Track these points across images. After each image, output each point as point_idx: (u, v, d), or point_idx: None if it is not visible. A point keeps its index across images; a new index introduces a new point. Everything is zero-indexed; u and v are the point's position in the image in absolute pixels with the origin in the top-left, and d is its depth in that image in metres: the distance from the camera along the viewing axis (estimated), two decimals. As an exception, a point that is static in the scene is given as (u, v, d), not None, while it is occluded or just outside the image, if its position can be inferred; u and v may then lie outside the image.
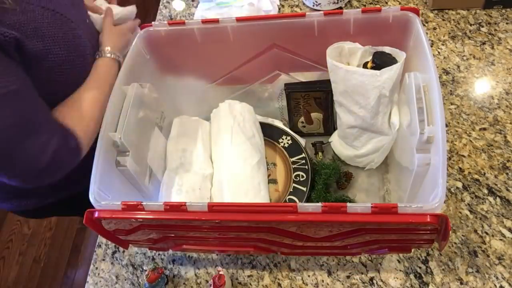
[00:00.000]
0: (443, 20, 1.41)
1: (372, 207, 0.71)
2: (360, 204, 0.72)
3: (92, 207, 0.80)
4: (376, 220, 0.71)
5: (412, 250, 0.99)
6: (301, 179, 1.06)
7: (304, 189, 1.05)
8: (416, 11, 0.92)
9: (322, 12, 0.96)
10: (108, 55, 1.04)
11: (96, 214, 0.78)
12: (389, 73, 0.88)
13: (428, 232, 0.75)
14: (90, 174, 0.84)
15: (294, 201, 1.03)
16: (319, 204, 0.72)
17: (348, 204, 0.71)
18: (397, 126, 0.95)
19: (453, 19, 1.41)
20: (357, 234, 0.80)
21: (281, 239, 0.86)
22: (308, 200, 1.04)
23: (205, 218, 0.76)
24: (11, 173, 0.89)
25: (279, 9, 1.55)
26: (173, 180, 1.02)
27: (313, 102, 1.13)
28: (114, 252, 1.13)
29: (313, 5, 1.50)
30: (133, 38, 1.05)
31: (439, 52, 1.33)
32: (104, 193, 0.82)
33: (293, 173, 1.08)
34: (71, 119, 0.95)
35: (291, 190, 1.06)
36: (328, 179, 1.05)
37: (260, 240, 0.88)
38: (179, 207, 0.76)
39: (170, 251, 1.09)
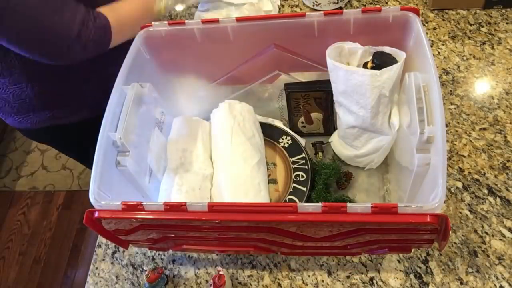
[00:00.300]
0: (443, 20, 1.41)
1: (372, 207, 0.71)
2: (360, 204, 0.72)
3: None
4: (376, 220, 0.71)
5: (412, 250, 0.98)
6: (301, 179, 1.06)
7: (304, 189, 1.05)
8: (416, 11, 0.92)
9: (322, 12, 0.96)
10: None
11: (96, 214, 0.78)
12: (389, 73, 0.88)
13: (428, 232, 0.75)
14: (102, 102, 0.92)
15: (294, 201, 1.03)
16: (319, 204, 0.72)
17: (348, 204, 0.71)
18: (397, 126, 0.95)
19: (453, 19, 1.41)
20: (357, 234, 0.80)
21: (281, 239, 0.86)
22: (308, 200, 1.04)
23: (205, 218, 0.76)
24: (43, 49, 1.04)
25: (279, 9, 1.55)
26: (173, 180, 1.02)
27: (313, 102, 1.13)
28: (114, 252, 1.13)
29: (313, 5, 1.50)
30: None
31: (439, 52, 1.33)
32: (104, 193, 0.82)
33: (293, 173, 1.08)
34: (105, 9, 1.12)
35: (291, 190, 1.06)
36: (328, 179, 1.05)
37: (260, 240, 0.88)
38: (179, 207, 0.76)
39: (170, 251, 1.09)
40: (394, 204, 0.70)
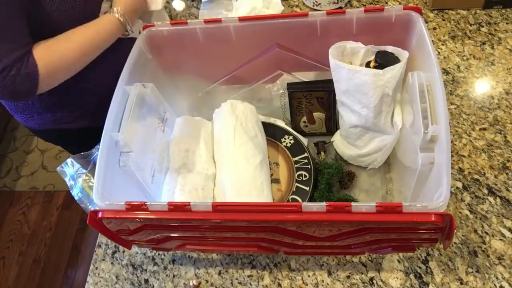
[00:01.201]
0: (443, 20, 1.42)
1: (376, 206, 0.71)
2: (364, 203, 0.72)
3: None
4: (381, 220, 0.71)
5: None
6: (304, 179, 1.06)
7: (307, 188, 1.05)
8: (419, 11, 0.92)
9: (324, 11, 0.96)
10: (116, 15, 1.09)
11: (100, 214, 0.78)
12: (392, 72, 0.88)
13: (432, 231, 0.76)
14: (102, 113, 0.89)
15: (297, 201, 1.03)
16: (324, 203, 0.72)
17: (353, 203, 0.71)
18: (400, 125, 0.95)
19: (453, 19, 1.41)
20: (361, 233, 0.80)
21: (285, 239, 0.86)
22: (311, 199, 1.04)
23: (209, 218, 0.76)
24: None
25: (279, 9, 1.55)
26: (176, 180, 1.02)
27: (316, 102, 1.13)
28: (114, 252, 1.12)
29: (313, 5, 1.50)
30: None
31: (439, 52, 1.34)
32: (107, 193, 0.82)
33: (296, 172, 1.08)
34: (40, 49, 1.01)
35: (294, 189, 1.06)
36: (330, 178, 1.05)
37: (264, 239, 0.88)
38: (183, 207, 0.76)
39: (170, 251, 1.09)
40: (399, 203, 0.70)
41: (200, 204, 0.75)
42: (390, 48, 0.94)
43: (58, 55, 1.04)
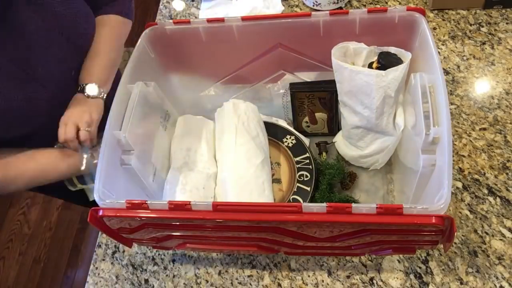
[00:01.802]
0: (443, 20, 1.42)
1: (377, 207, 0.70)
2: (365, 204, 0.72)
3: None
4: (381, 221, 0.71)
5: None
6: (305, 179, 1.06)
7: (308, 189, 1.05)
8: (422, 12, 0.91)
9: (327, 11, 0.96)
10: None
11: (101, 213, 0.78)
12: (395, 73, 0.88)
13: (433, 233, 0.76)
14: None
15: (298, 201, 1.03)
16: (324, 204, 0.72)
17: (353, 204, 0.71)
18: (402, 126, 0.95)
19: (453, 19, 1.41)
20: (361, 234, 0.79)
21: (285, 239, 0.86)
22: (312, 200, 1.04)
23: (209, 217, 0.75)
24: None
25: (279, 9, 1.55)
26: (177, 179, 1.02)
27: (318, 102, 1.13)
28: (114, 252, 1.12)
29: (313, 5, 1.50)
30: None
31: (439, 52, 1.34)
32: (108, 192, 0.82)
33: (297, 172, 1.08)
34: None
35: (295, 189, 1.05)
36: (332, 179, 1.05)
37: (264, 239, 0.88)
38: (183, 206, 0.76)
39: (170, 251, 1.09)
40: (399, 205, 0.70)
41: (201, 203, 0.75)
42: (392, 49, 0.94)
43: (15, 172, 1.03)
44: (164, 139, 1.06)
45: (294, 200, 1.04)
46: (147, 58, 1.04)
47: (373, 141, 1.04)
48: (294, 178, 1.07)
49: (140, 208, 0.77)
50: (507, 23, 1.37)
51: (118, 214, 0.78)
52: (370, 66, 0.95)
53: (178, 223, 0.83)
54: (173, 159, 1.06)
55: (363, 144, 1.06)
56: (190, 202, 0.75)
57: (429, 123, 0.78)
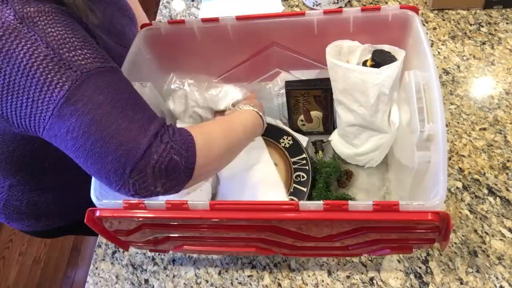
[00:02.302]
0: (443, 20, 1.41)
1: (373, 204, 0.71)
2: (361, 201, 0.72)
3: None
4: (378, 218, 0.71)
5: (413, 250, 0.98)
6: (302, 180, 1.06)
7: (305, 189, 1.05)
8: (415, 10, 0.92)
9: (321, 10, 0.96)
10: (254, 108, 0.98)
11: (98, 213, 0.78)
12: (389, 71, 0.89)
13: (429, 230, 0.75)
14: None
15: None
16: (321, 202, 0.72)
17: (350, 201, 0.72)
18: (397, 124, 0.95)
19: (453, 19, 1.41)
20: (358, 233, 0.79)
21: (282, 239, 0.86)
22: (309, 199, 1.04)
23: (206, 216, 0.76)
24: (96, 163, 0.70)
25: (279, 9, 1.55)
26: None
27: (313, 100, 1.13)
28: (114, 252, 1.12)
29: (313, 5, 1.50)
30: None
31: (439, 52, 1.33)
32: (105, 192, 0.82)
33: (294, 173, 1.08)
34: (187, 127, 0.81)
35: (292, 190, 1.05)
36: (328, 177, 1.05)
37: (262, 240, 0.88)
38: (180, 206, 0.76)
39: (170, 251, 1.09)
40: (396, 201, 0.70)
41: (198, 202, 0.76)
42: (386, 47, 0.94)
43: (208, 132, 0.83)
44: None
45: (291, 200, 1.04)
46: (143, 59, 1.05)
47: (369, 139, 1.04)
48: (291, 179, 1.07)
49: (137, 208, 0.77)
50: (507, 23, 1.37)
51: (115, 214, 0.78)
52: (364, 64, 0.96)
53: (175, 223, 0.83)
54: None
55: (359, 142, 1.06)
56: (187, 201, 0.75)
57: (424, 120, 0.78)
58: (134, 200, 0.77)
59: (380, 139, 1.01)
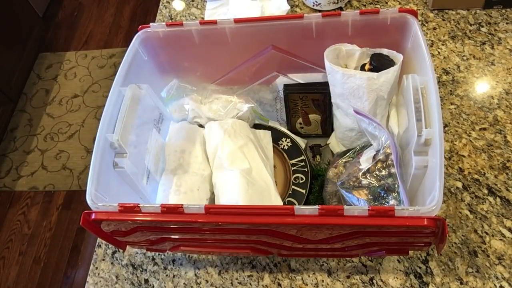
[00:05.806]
0: (443, 20, 1.41)
1: (369, 210, 0.70)
2: (357, 207, 0.72)
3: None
4: (373, 223, 0.71)
5: (410, 252, 0.98)
6: (300, 181, 1.06)
7: (303, 191, 1.05)
8: (414, 13, 0.91)
9: (320, 13, 0.96)
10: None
11: (93, 216, 0.78)
12: (386, 76, 0.88)
13: (425, 235, 0.75)
14: None
15: (293, 203, 1.03)
16: (316, 206, 0.72)
17: (345, 206, 0.71)
18: (396, 128, 0.95)
19: (453, 19, 1.40)
20: (354, 236, 0.79)
21: (279, 242, 0.86)
22: (307, 202, 1.04)
23: (201, 220, 0.76)
24: None
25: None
26: (171, 181, 1.02)
27: (311, 104, 1.12)
28: (114, 252, 1.13)
29: (313, 5, 1.49)
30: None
31: (439, 52, 1.33)
32: (101, 195, 0.82)
33: (293, 175, 1.08)
34: None
35: (290, 192, 1.05)
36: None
37: (258, 242, 0.88)
38: (176, 209, 0.76)
39: (166, 252, 1.09)
40: (391, 207, 0.70)
41: (193, 206, 0.76)
42: (385, 51, 0.94)
43: None
44: (158, 142, 1.06)
45: (289, 202, 1.04)
46: (140, 61, 1.05)
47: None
48: (289, 181, 1.07)
49: (132, 211, 0.77)
50: (507, 23, 1.36)
51: (110, 218, 0.78)
52: (362, 67, 0.95)
53: (171, 226, 0.83)
54: (167, 161, 1.06)
55: (357, 146, 1.05)
56: (182, 205, 0.75)
57: (421, 124, 0.78)
58: (129, 204, 0.77)
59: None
